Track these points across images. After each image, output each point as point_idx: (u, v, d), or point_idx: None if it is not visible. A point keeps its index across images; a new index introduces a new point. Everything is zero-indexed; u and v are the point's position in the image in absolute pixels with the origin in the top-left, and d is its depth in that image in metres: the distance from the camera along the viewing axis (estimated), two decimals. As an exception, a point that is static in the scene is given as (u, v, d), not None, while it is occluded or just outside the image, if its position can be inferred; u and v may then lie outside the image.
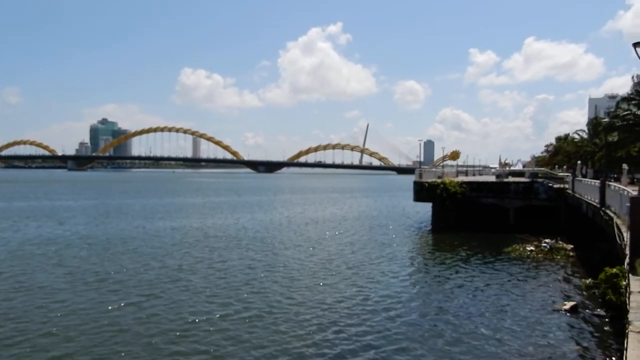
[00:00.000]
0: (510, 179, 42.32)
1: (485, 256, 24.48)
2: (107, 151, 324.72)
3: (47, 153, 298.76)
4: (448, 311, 15.18)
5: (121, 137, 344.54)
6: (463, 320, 14.27)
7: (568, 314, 14.83)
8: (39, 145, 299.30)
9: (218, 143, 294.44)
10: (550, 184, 34.91)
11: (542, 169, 57.67)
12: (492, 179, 43.01)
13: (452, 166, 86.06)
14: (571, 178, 32.51)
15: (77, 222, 36.77)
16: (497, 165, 76.25)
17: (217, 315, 14.31)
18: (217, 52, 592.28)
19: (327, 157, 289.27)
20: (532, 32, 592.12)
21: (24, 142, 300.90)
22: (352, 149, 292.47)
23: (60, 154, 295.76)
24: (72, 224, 35.59)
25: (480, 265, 22.44)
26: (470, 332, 13.21)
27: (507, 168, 64.73)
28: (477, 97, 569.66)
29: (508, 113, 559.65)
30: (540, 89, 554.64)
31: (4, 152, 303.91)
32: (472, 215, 34.72)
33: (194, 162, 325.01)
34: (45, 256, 23.20)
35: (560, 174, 45.30)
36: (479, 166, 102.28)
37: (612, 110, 45.59)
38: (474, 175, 57.44)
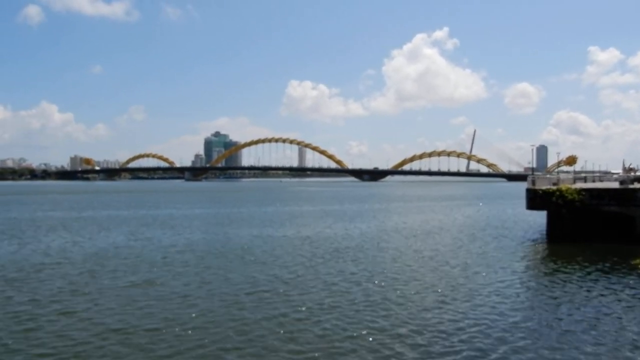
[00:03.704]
0: (637, 185, 38.80)
1: (609, 269, 22.59)
2: (220, 162, 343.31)
3: (166, 165, 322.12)
4: (569, 338, 14.12)
5: (232, 148, 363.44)
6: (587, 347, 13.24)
7: None
8: (160, 157, 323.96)
9: (323, 152, 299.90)
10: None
11: (675, 174, 52.15)
12: (615, 185, 39.69)
13: (567, 172, 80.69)
14: None
15: (195, 230, 39.23)
16: (620, 171, 70.23)
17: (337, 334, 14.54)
18: (322, 63, 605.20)
19: (432, 164, 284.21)
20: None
21: (147, 155, 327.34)
22: (459, 155, 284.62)
23: (178, 165, 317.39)
24: (192, 232, 38.01)
25: (605, 279, 20.70)
26: None
27: (632, 174, 59.33)
28: (597, 98, 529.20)
29: (633, 114, 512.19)
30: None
31: (130, 165, 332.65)
32: (592, 224, 32.31)
33: (300, 171, 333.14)
34: (170, 263, 24.99)
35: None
36: (599, 172, 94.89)
37: None
38: (593, 181, 53.55)
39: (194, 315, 15.56)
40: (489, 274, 22.06)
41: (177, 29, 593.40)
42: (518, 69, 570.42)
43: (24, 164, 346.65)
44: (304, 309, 16.16)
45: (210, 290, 18.93)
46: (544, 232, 35.60)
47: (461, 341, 13.20)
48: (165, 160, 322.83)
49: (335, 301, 17.12)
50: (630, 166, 76.32)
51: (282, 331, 14.03)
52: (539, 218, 42.11)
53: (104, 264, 24.42)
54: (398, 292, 18.60)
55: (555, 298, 17.88)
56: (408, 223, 45.27)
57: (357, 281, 20.41)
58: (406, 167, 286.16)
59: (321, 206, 69.83)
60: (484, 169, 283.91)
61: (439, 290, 18.85)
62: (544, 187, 35.36)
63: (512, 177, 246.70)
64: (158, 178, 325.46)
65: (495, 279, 21.02)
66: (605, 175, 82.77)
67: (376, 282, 20.37)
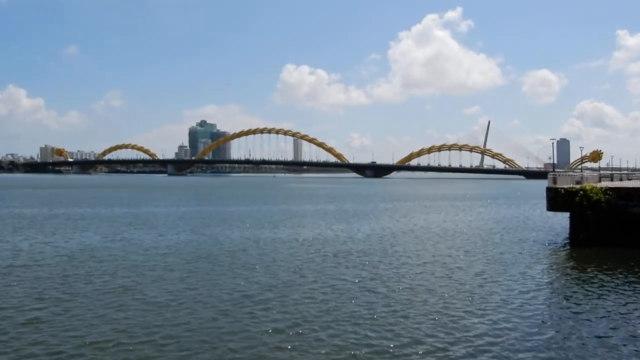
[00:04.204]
0: (670, 184, 38.85)
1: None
2: (206, 155, 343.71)
3: (147, 157, 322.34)
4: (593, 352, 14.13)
5: (220, 139, 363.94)
6: None
7: None
8: (140, 149, 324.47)
9: (321, 145, 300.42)
10: None
11: None
12: (646, 184, 39.76)
13: (592, 169, 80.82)
14: None
15: (179, 230, 39.16)
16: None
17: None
18: (321, 45, 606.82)
19: (442, 159, 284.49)
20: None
21: (126, 146, 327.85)
22: (471, 150, 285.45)
23: (160, 157, 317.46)
24: (176, 233, 37.96)
25: (637, 289, 20.70)
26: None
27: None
28: (625, 87, 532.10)
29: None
30: None
31: (107, 157, 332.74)
32: (620, 227, 32.32)
33: (295, 165, 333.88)
34: (149, 267, 24.96)
35: None
36: (627, 169, 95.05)
37: None
38: (621, 179, 53.61)
39: (177, 326, 15.49)
40: (506, 283, 21.99)
41: (161, 7, 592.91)
42: (538, 54, 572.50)
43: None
44: (300, 322, 16.10)
45: (196, 298, 18.86)
46: (567, 236, 35.61)
47: None
48: (146, 152, 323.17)
49: (335, 313, 17.04)
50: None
51: (276, 347, 13.97)
52: (561, 220, 42.16)
53: (77, 267, 24.33)
54: (405, 303, 18.52)
55: (581, 312, 17.81)
56: (416, 225, 45.27)
57: (360, 291, 20.33)
58: (413, 162, 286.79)
59: (319, 205, 69.82)
60: (499, 165, 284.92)
61: (452, 303, 18.73)
62: (566, 186, 35.34)
63: (530, 174, 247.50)
64: (138, 172, 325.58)
65: (513, 289, 20.96)
66: (634, 172, 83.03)
67: (381, 292, 20.27)
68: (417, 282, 22.04)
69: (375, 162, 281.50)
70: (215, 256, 27.90)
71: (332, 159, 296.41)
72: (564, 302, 19.22)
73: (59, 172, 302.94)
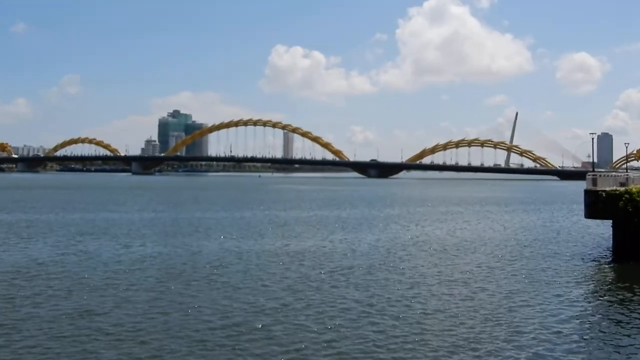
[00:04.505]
0: None
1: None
2: (179, 150, 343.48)
3: (108, 153, 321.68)
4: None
5: (195, 132, 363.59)
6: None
7: None
8: (99, 143, 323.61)
9: (316, 140, 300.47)
10: None
11: None
12: None
13: (639, 169, 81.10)
14: None
15: (146, 241, 39.01)
16: None
17: None
18: (317, 22, 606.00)
19: (461, 157, 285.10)
20: None
21: (82, 140, 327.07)
22: (495, 146, 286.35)
23: (123, 154, 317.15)
24: (142, 244, 37.80)
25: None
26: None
27: None
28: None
29: None
30: None
31: (60, 152, 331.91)
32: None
33: (285, 163, 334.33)
34: (110, 284, 24.82)
35: None
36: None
37: None
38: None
39: (145, 358, 15.38)
40: (539, 308, 21.93)
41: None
42: (574, 35, 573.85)
43: None
44: (291, 349, 16.03)
45: (168, 323, 18.78)
46: (609, 249, 35.76)
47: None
48: (106, 147, 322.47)
49: (335, 346, 16.97)
50: None
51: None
52: (602, 230, 42.24)
53: (22, 287, 24.12)
54: (420, 333, 18.47)
55: (632, 344, 17.79)
56: (429, 236, 45.27)
57: (364, 314, 20.31)
58: (426, 160, 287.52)
59: (314, 211, 69.77)
60: (528, 164, 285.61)
61: (476, 332, 18.64)
62: (608, 189, 35.46)
63: (565, 175, 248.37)
64: (96, 170, 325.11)
65: (546, 312, 20.98)
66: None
67: (388, 314, 20.25)
68: (434, 306, 21.97)
69: (376, 160, 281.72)
70: (189, 273, 27.77)
71: (329, 156, 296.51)
72: (609, 330, 19.19)
73: (1, 170, 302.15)
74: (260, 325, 18.67)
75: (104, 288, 24.08)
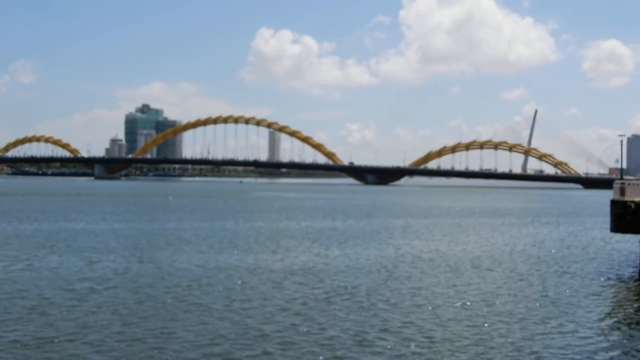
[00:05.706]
0: None
1: None
2: (149, 151, 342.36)
3: (67, 154, 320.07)
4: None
5: (168, 131, 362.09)
6: None
7: None
8: (57, 142, 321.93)
9: (306, 140, 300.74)
10: None
11: None
12: None
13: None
14: None
15: (113, 256, 38.97)
16: None
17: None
18: (309, 4, 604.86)
19: (472, 161, 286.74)
20: None
21: (37, 139, 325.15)
22: (511, 148, 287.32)
23: (84, 155, 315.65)
24: (109, 259, 37.76)
25: None
26: None
27: None
28: None
29: None
30: None
31: (11, 153, 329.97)
32: None
33: (271, 167, 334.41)
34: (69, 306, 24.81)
35: None
36: None
37: None
38: None
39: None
40: (561, 333, 22.13)
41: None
42: (604, 20, 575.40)
43: None
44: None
45: (141, 353, 18.79)
46: (638, 267, 36.00)
47: None
48: (65, 146, 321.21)
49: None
50: None
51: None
52: (630, 245, 42.50)
53: (-27, 308, 24.10)
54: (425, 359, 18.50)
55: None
56: (437, 251, 45.41)
57: (364, 341, 20.40)
58: (432, 165, 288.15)
59: (305, 222, 69.87)
60: (548, 169, 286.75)
61: (489, 358, 18.83)
62: (637, 199, 35.69)
63: (590, 183, 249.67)
64: (53, 174, 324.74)
65: (568, 338, 21.19)
66: None
67: (392, 341, 20.37)
68: (444, 332, 22.08)
69: (369, 165, 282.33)
70: (163, 293, 27.74)
71: (322, 159, 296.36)
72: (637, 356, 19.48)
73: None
74: (246, 355, 18.74)
75: (65, 312, 23.96)
